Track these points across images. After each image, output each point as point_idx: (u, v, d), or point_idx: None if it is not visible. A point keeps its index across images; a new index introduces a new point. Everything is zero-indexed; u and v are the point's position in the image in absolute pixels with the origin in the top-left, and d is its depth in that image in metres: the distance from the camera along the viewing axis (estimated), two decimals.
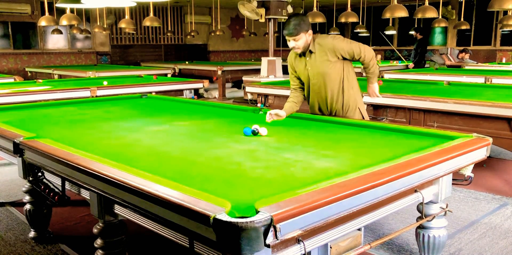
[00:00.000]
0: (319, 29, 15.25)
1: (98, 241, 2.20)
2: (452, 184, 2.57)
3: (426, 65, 10.47)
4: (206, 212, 1.45)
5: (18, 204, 3.85)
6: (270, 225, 1.43)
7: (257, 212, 1.46)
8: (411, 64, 10.24)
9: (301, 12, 9.74)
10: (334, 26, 12.66)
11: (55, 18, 7.95)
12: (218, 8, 12.26)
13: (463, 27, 10.15)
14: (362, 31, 12.23)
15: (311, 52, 3.36)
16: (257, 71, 9.65)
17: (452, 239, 3.16)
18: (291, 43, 3.31)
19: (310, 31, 3.31)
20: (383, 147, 2.53)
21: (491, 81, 6.34)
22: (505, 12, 9.31)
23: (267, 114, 3.23)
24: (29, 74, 10.76)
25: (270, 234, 1.44)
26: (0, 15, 11.88)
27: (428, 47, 10.16)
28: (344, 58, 3.39)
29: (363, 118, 3.54)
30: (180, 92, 6.35)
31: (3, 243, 3.15)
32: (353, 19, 8.33)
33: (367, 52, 3.37)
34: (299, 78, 3.57)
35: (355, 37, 15.07)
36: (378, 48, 15.33)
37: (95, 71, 8.36)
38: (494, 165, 4.99)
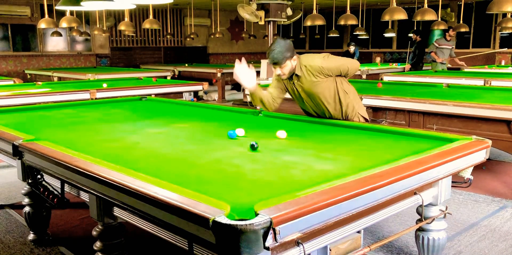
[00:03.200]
0: (319, 32, 15.27)
1: (97, 244, 2.20)
2: (452, 186, 2.57)
3: (424, 68, 10.49)
4: (206, 215, 1.45)
5: (17, 207, 3.84)
6: (269, 228, 1.43)
7: (257, 214, 1.46)
8: (407, 65, 10.26)
9: (300, 14, 9.73)
10: (333, 28, 12.68)
11: (54, 20, 7.94)
12: (218, 10, 12.28)
13: (462, 30, 10.15)
14: (362, 34, 12.25)
15: (297, 75, 3.28)
16: (257, 73, 9.65)
17: (452, 241, 3.15)
18: (277, 71, 3.24)
19: (295, 57, 3.22)
20: (383, 149, 2.53)
21: (490, 83, 6.35)
22: (504, 15, 9.32)
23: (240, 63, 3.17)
24: (29, 76, 10.76)
25: (270, 236, 1.44)
26: None
27: (426, 50, 10.13)
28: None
29: (366, 120, 3.53)
30: (179, 94, 6.36)
31: (2, 245, 3.15)
32: (352, 21, 8.34)
33: (352, 70, 3.36)
34: (283, 91, 3.44)
35: (355, 40, 15.10)
36: (377, 50, 15.36)
37: (95, 74, 8.36)
38: (494, 167, 4.99)
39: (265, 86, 6.00)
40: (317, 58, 3.27)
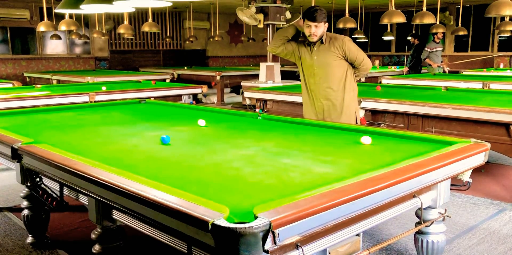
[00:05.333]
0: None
1: (96, 247, 2.19)
2: (451, 189, 2.57)
3: (422, 71, 10.52)
4: (205, 218, 1.45)
5: (16, 210, 3.83)
6: (268, 231, 1.43)
7: (256, 217, 1.46)
8: (405, 68, 10.29)
9: (299, 18, 9.77)
10: (332, 31, 12.69)
11: (54, 23, 7.96)
12: (217, 13, 12.30)
13: (461, 33, 10.18)
14: (360, 37, 12.28)
15: (322, 42, 3.64)
16: (256, 76, 9.67)
17: (451, 244, 3.15)
18: (311, 29, 3.56)
19: (327, 24, 3.63)
20: (382, 152, 2.54)
21: (488, 86, 6.36)
22: (502, 18, 9.37)
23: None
24: (28, 79, 10.76)
25: (269, 239, 1.44)
26: None
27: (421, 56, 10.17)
28: (346, 60, 3.66)
29: (356, 122, 3.66)
30: (178, 97, 6.36)
31: (0, 248, 3.14)
32: (351, 24, 8.36)
33: (366, 64, 3.69)
34: (289, 51, 3.83)
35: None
36: (376, 53, 15.38)
37: (94, 77, 8.37)
38: (492, 170, 4.99)
39: (265, 90, 6.02)
40: (343, 36, 3.71)
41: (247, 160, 2.37)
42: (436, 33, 9.58)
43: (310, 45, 3.74)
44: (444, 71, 9.91)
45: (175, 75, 11.08)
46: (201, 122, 3.36)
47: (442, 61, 9.93)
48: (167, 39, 13.44)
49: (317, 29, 3.58)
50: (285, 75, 9.34)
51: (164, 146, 2.76)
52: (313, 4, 8.15)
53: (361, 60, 3.65)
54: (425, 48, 9.77)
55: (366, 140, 2.69)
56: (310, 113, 3.91)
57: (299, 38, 3.87)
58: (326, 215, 1.64)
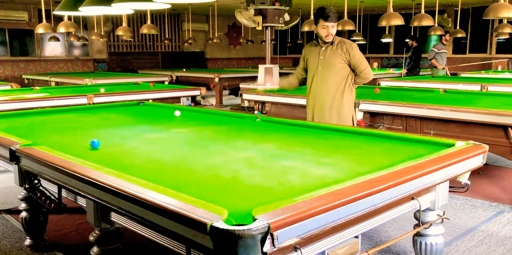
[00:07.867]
0: (316, 37, 15.29)
1: (95, 249, 2.19)
2: (449, 191, 2.57)
3: (421, 73, 10.53)
4: (203, 220, 1.45)
5: (14, 212, 3.83)
6: (267, 233, 1.43)
7: (254, 219, 1.45)
8: (404, 70, 10.30)
9: (297, 20, 9.79)
10: None
11: (52, 25, 7.96)
12: (215, 16, 12.31)
13: (459, 35, 10.20)
14: (359, 39, 12.29)
15: (331, 43, 3.82)
16: (254, 78, 9.68)
17: (449, 246, 3.15)
18: (329, 29, 3.75)
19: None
20: (380, 154, 2.54)
21: (487, 89, 6.37)
22: (500, 21, 9.38)
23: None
24: (26, 81, 10.75)
25: (267, 241, 1.44)
26: None
27: (427, 57, 10.17)
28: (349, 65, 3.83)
29: (353, 125, 3.73)
30: (177, 99, 6.36)
31: None
32: (349, 27, 8.38)
33: (367, 74, 3.85)
34: (305, 71, 4.04)
35: None
36: (374, 55, 15.40)
37: (92, 79, 8.36)
38: (491, 172, 5.00)
39: (263, 92, 6.02)
40: (352, 42, 3.88)
41: (245, 162, 2.37)
42: (444, 35, 9.59)
43: (318, 45, 3.91)
44: (447, 74, 9.92)
45: (174, 77, 11.08)
46: (177, 113, 3.75)
47: (445, 64, 9.94)
48: (166, 41, 13.45)
49: (333, 29, 3.78)
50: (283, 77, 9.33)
51: (163, 147, 2.76)
52: (312, 6, 8.18)
53: (363, 68, 3.79)
54: (432, 49, 9.78)
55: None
56: (309, 113, 3.97)
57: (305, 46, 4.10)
58: (324, 217, 1.64)
